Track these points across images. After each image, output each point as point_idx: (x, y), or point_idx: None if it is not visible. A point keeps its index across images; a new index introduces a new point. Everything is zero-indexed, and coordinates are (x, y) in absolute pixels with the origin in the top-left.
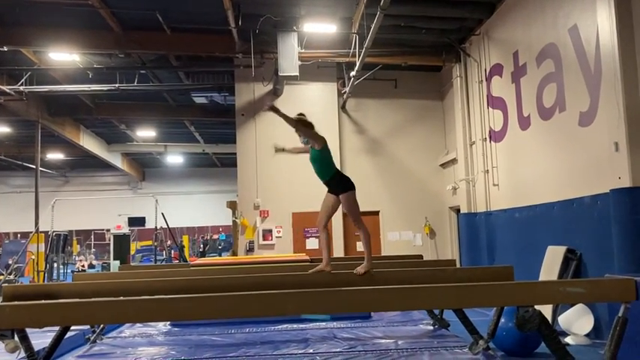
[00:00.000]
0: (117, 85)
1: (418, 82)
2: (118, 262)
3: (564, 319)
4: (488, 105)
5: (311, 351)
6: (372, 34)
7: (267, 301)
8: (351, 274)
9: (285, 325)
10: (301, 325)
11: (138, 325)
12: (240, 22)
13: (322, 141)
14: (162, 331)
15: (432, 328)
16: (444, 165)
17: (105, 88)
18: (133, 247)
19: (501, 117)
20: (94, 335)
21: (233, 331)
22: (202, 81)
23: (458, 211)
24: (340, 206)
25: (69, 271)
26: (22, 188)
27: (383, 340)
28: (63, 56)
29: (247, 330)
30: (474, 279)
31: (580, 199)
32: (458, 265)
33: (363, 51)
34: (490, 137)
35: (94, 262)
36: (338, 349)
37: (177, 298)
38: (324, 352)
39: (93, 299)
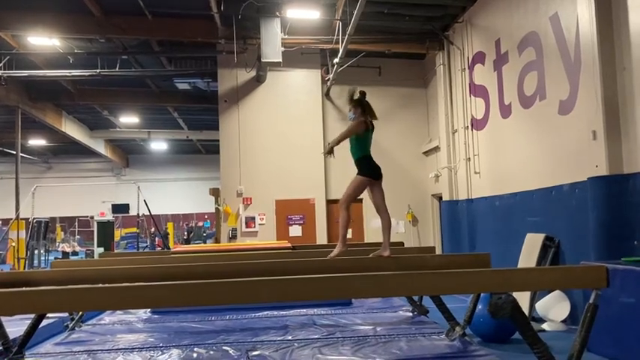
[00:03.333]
0: (98, 71)
1: (402, 69)
2: (101, 249)
3: (541, 306)
4: (470, 93)
5: (290, 337)
6: (355, 21)
7: (241, 289)
8: (326, 262)
9: (265, 312)
10: (282, 312)
11: (118, 312)
12: (222, 7)
13: (363, 125)
14: (142, 319)
15: (411, 314)
16: (427, 153)
17: (86, 74)
18: (118, 234)
19: (483, 105)
20: (73, 323)
21: (213, 318)
22: (185, 67)
23: (440, 198)
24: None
25: (52, 257)
26: (2, 174)
27: (362, 327)
28: (42, 41)
29: (227, 317)
30: (451, 266)
31: (559, 186)
32: (439, 253)
33: (346, 38)
34: (472, 125)
35: (78, 249)
36: (316, 336)
37: (150, 286)
38: (302, 338)
39: (66, 287)
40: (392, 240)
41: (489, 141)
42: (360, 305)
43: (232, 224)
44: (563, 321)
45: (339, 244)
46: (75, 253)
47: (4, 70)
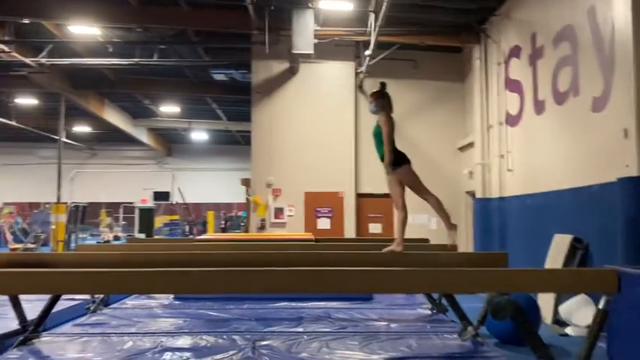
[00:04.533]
0: (136, 60)
1: (439, 63)
2: (143, 235)
3: (565, 309)
4: (505, 88)
5: (301, 330)
6: (384, 13)
7: (250, 278)
8: (342, 255)
9: (283, 303)
10: (300, 304)
11: (142, 297)
12: None
13: (392, 120)
14: (163, 304)
15: (430, 312)
16: (462, 148)
17: (124, 63)
18: (160, 220)
19: (518, 101)
20: (94, 305)
21: (231, 307)
22: (221, 57)
23: (474, 195)
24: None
25: (95, 241)
26: (50, 159)
27: (376, 323)
28: (83, 29)
29: (245, 306)
30: (464, 264)
31: (589, 187)
32: (470, 251)
33: (376, 30)
34: (506, 121)
35: (120, 235)
36: (327, 329)
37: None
38: (312, 331)
39: (72, 269)
40: (420, 236)
41: (522, 138)
42: (381, 301)
43: (261, 215)
44: (588, 326)
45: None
46: (117, 239)
47: (48, 57)
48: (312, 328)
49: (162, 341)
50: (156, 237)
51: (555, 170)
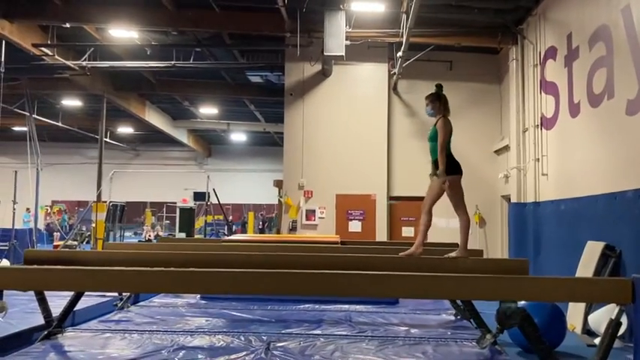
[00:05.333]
0: (173, 63)
1: (475, 64)
2: (183, 235)
3: (594, 319)
4: (541, 90)
5: (319, 332)
6: (414, 13)
7: (268, 280)
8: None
9: (306, 305)
10: (323, 307)
11: (170, 295)
12: (287, 1)
13: (449, 124)
14: (189, 303)
15: (453, 318)
16: (498, 151)
17: (162, 65)
18: (201, 220)
19: (553, 103)
20: (121, 302)
21: (254, 307)
22: (256, 60)
23: (509, 200)
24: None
25: (137, 240)
26: (96, 159)
27: (396, 327)
28: (122, 33)
29: (269, 307)
30: (481, 270)
31: (623, 192)
32: (505, 257)
33: (407, 31)
34: (542, 124)
35: (161, 234)
36: (345, 333)
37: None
38: (329, 334)
39: (96, 267)
40: (454, 241)
41: (557, 141)
42: (406, 305)
43: (293, 216)
44: (621, 337)
45: (461, 249)
46: (158, 237)
47: (89, 60)
48: (331, 331)
49: (179, 340)
50: (197, 237)
51: (590, 175)
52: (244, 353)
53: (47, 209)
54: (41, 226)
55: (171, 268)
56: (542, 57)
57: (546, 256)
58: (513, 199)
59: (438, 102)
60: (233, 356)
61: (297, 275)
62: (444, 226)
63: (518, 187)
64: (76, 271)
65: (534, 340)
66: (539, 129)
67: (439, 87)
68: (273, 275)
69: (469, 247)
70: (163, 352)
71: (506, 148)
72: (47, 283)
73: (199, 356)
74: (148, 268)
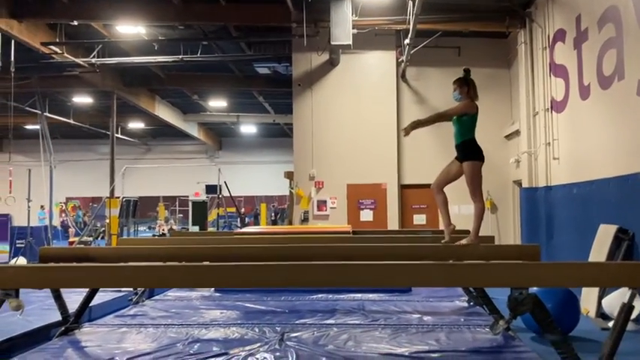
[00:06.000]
0: (181, 57)
1: (484, 49)
2: (196, 228)
3: (608, 303)
4: (551, 73)
5: (332, 321)
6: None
7: (280, 273)
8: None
9: (320, 295)
10: (336, 296)
11: (184, 288)
12: None
13: (471, 107)
14: (203, 296)
15: (466, 305)
16: (508, 136)
17: (170, 60)
18: (214, 213)
19: (563, 86)
20: (136, 297)
21: (268, 299)
22: (263, 51)
23: (521, 185)
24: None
25: (151, 234)
26: (108, 155)
27: (409, 315)
28: (129, 29)
29: (282, 298)
30: (492, 257)
31: (635, 175)
32: (517, 242)
33: (413, 17)
34: (552, 108)
35: (174, 227)
36: (359, 322)
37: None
38: (342, 323)
39: (101, 264)
40: (466, 227)
41: (568, 124)
42: (419, 293)
43: (304, 207)
44: (634, 320)
45: (473, 236)
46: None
47: (98, 57)
48: (344, 320)
49: (194, 333)
50: (210, 229)
51: (601, 158)
52: (258, 344)
53: (62, 206)
54: (56, 223)
55: (183, 263)
56: (551, 40)
57: (559, 241)
58: (525, 184)
59: (467, 87)
60: (247, 347)
61: (308, 267)
62: (456, 212)
63: (530, 172)
64: (90, 268)
65: (546, 325)
66: (550, 112)
67: (467, 72)
68: (286, 268)
69: (480, 232)
70: (178, 345)
71: (517, 132)
72: (62, 281)
73: (214, 348)
74: (161, 263)
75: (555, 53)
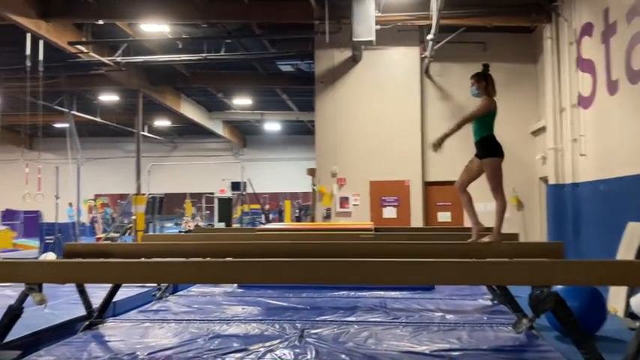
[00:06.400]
0: (204, 55)
1: (509, 44)
2: (222, 224)
3: (636, 302)
4: (577, 68)
5: (353, 319)
6: None
7: (297, 269)
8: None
9: (342, 292)
10: (358, 293)
11: (208, 284)
12: None
13: (492, 105)
14: (226, 292)
15: (490, 303)
16: (535, 133)
17: (194, 58)
18: (240, 210)
19: (590, 81)
20: (160, 293)
21: (290, 295)
22: (286, 49)
23: (547, 182)
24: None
25: (178, 230)
26: (135, 153)
27: (431, 313)
28: (153, 27)
29: (304, 295)
30: (512, 255)
31: None
32: (544, 240)
33: (436, 12)
34: (579, 103)
35: (201, 224)
36: (380, 319)
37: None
38: (363, 320)
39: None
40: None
41: (595, 120)
42: (442, 291)
43: (327, 204)
44: None
45: (495, 233)
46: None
47: (123, 56)
48: (365, 317)
49: (215, 328)
50: (235, 226)
51: (629, 154)
52: (278, 341)
53: (91, 203)
54: (85, 219)
55: (198, 259)
56: (577, 34)
57: (586, 239)
58: (551, 181)
59: (484, 82)
60: (267, 344)
61: (328, 264)
62: (482, 210)
63: (556, 169)
64: (110, 263)
65: (568, 324)
66: (577, 108)
67: (485, 66)
68: (306, 264)
69: (506, 230)
70: (199, 340)
71: (543, 129)
72: (83, 276)
73: (234, 344)
74: (182, 259)
75: (582, 48)
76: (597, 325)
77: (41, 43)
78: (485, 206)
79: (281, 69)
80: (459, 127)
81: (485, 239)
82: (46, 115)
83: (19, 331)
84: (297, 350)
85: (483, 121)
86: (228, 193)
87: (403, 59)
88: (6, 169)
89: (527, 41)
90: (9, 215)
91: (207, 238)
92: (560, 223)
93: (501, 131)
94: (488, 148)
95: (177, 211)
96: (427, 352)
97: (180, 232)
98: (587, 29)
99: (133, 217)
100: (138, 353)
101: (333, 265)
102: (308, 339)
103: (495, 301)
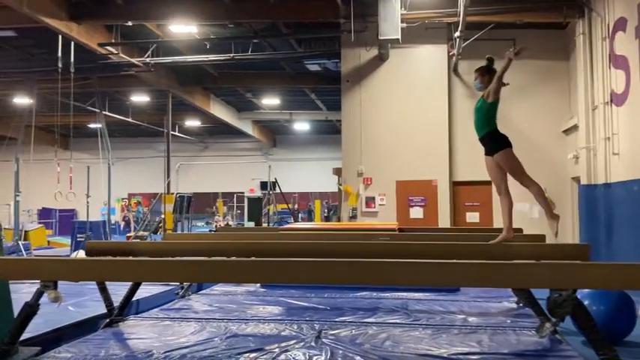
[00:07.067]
0: (232, 55)
1: (540, 40)
2: (252, 224)
3: None
4: (610, 65)
5: (372, 320)
6: None
7: (317, 269)
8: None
9: (363, 293)
10: (379, 294)
11: (230, 283)
12: None
13: (496, 98)
14: (249, 291)
15: (515, 306)
16: (567, 131)
17: (222, 58)
18: (271, 209)
19: (624, 78)
20: (182, 291)
21: (312, 296)
22: (313, 48)
23: (579, 182)
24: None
25: (208, 229)
26: (163, 153)
27: (453, 315)
28: (181, 28)
29: (326, 295)
30: (535, 257)
31: None
32: (575, 242)
33: (462, 9)
34: (612, 101)
35: (231, 223)
36: (400, 321)
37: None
38: (383, 322)
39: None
40: (525, 226)
41: (629, 118)
42: (467, 293)
43: (353, 204)
44: None
45: (549, 213)
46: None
47: (152, 57)
48: (385, 319)
49: (233, 328)
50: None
51: None
52: (294, 341)
53: (124, 202)
54: (118, 218)
55: (215, 258)
56: (611, 29)
57: (619, 240)
58: (583, 181)
59: (488, 76)
60: (283, 344)
61: (343, 264)
62: (527, 210)
63: (588, 168)
64: (126, 262)
65: (588, 329)
66: (609, 106)
67: (490, 60)
68: (321, 265)
69: (536, 231)
70: (216, 339)
71: (575, 127)
72: (100, 273)
73: (250, 344)
74: (189, 258)
75: (615, 43)
76: (627, 330)
77: (72, 44)
78: (530, 208)
79: (308, 68)
80: (500, 80)
81: (498, 239)
82: (80, 115)
83: (39, 327)
84: (312, 351)
85: (487, 113)
86: (258, 193)
87: (430, 57)
88: (41, 169)
89: (559, 37)
90: (45, 213)
91: (229, 237)
92: (593, 224)
93: (532, 130)
94: (496, 142)
95: (207, 211)
96: (445, 355)
97: (211, 231)
98: (620, 24)
99: (162, 216)
100: (154, 352)
101: (348, 266)
102: (324, 340)
103: (520, 304)
